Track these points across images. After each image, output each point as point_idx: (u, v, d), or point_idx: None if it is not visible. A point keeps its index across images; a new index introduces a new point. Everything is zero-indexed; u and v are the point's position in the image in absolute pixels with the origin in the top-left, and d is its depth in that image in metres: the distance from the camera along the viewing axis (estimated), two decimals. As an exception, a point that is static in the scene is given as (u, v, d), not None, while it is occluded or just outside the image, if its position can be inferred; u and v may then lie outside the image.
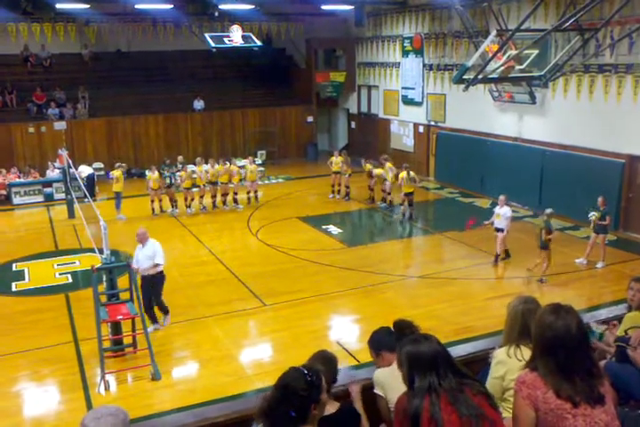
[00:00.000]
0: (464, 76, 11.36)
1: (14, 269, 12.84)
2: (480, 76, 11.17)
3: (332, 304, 10.64)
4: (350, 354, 8.54)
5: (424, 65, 20.03)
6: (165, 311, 9.76)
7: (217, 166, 16.81)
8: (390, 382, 3.47)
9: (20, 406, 7.81)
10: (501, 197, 12.11)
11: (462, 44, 18.12)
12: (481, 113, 17.72)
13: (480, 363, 4.19)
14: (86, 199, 15.47)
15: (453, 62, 18.60)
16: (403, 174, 15.38)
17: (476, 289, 11.11)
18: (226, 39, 18.85)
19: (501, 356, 3.45)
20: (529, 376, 2.81)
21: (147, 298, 9.29)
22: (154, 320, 9.57)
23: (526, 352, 3.26)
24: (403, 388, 3.16)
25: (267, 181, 20.32)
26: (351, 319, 10.26)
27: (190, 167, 17.40)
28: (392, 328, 3.78)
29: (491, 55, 10.94)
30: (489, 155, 17.43)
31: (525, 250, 12.40)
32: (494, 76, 11.56)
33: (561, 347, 2.74)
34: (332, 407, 3.37)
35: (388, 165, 16.45)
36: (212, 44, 18.39)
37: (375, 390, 3.55)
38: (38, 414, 7.62)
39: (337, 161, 17.68)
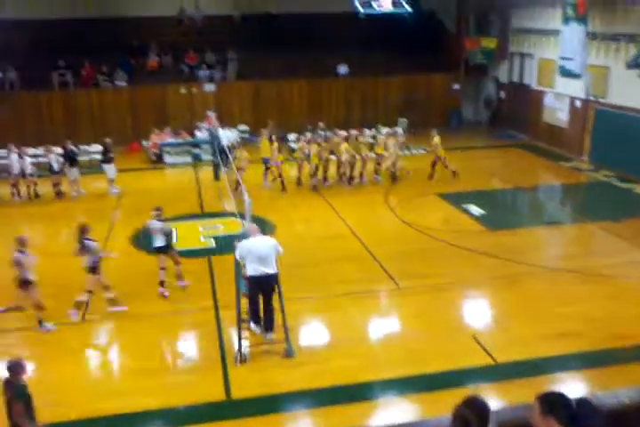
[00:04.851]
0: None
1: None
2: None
3: (469, 293, 10.23)
4: (487, 352, 8.18)
5: (587, 34, 18.28)
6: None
7: (357, 135, 16.52)
8: None
9: (164, 368, 8.24)
10: None
11: (635, 11, 16.28)
12: (651, 90, 16.01)
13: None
14: (229, 164, 15.89)
15: (623, 32, 16.83)
16: None
17: (634, 290, 10.04)
18: (375, 4, 18.39)
19: None
20: None
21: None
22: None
23: None
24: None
25: (407, 152, 19.71)
26: (490, 313, 9.71)
27: (329, 135, 17.18)
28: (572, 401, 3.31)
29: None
30: (656, 136, 15.79)
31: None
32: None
33: None
34: None
35: None
36: (361, 10, 17.97)
37: None
38: (179, 377, 7.99)
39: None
